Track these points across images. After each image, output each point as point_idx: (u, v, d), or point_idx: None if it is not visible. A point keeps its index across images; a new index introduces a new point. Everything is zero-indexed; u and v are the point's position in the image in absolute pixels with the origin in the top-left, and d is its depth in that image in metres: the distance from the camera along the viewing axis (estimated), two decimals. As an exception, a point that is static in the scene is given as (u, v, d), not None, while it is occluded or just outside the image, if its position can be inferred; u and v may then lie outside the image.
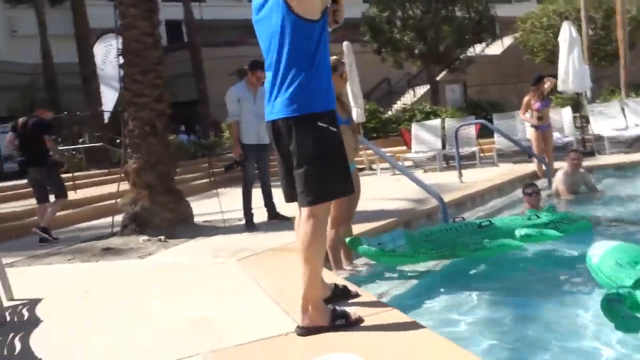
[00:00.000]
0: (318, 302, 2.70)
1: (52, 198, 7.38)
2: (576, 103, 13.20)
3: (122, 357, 2.77)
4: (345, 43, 11.89)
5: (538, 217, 4.87)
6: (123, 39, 6.62)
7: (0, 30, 27.08)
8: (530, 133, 9.19)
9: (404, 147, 13.17)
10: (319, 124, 2.65)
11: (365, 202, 4.68)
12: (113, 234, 6.53)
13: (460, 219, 5.03)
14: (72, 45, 17.80)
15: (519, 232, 4.58)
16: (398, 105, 23.51)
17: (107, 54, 17.58)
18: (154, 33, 6.63)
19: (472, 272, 4.44)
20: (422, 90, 25.31)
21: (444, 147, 12.26)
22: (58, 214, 7.53)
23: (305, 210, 2.69)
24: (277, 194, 4.25)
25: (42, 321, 3.50)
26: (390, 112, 20.24)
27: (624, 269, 3.01)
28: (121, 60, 6.78)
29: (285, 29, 2.66)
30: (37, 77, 21.82)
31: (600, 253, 3.23)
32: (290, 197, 2.89)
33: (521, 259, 4.68)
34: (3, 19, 27.11)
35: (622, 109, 11.95)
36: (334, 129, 2.70)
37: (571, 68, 11.38)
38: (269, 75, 2.80)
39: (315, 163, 2.65)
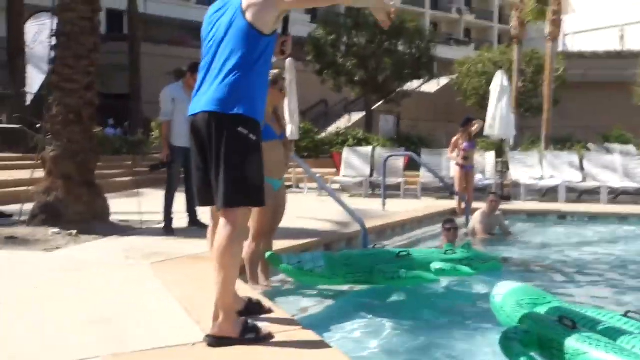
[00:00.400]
0: (230, 311, 2.65)
1: None
2: (499, 148, 13.84)
3: (16, 355, 2.58)
4: (288, 59, 11.94)
5: (454, 252, 5.03)
6: (59, 20, 6.33)
7: None
8: (454, 171, 9.52)
9: (334, 170, 13.31)
10: (240, 129, 2.63)
11: (289, 219, 4.67)
12: (21, 223, 6.16)
13: (379, 246, 5.11)
14: (2, 18, 16.84)
15: (434, 266, 4.71)
16: (332, 128, 23.79)
17: (39, 33, 16.78)
18: (93, 18, 6.38)
19: (386, 298, 4.51)
20: (357, 116, 25.80)
21: (371, 174, 12.49)
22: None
23: (223, 215, 2.66)
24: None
25: None
26: (324, 134, 20.46)
27: (524, 309, 3.15)
28: (54, 42, 6.48)
29: (233, 30, 2.69)
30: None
31: (503, 292, 3.37)
32: (202, 200, 2.88)
33: (433, 290, 4.80)
34: None
35: (540, 160, 12.66)
36: (254, 138, 2.68)
37: (498, 115, 11.94)
38: (201, 73, 2.79)
39: (230, 166, 2.62)
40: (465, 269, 4.84)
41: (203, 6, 32.52)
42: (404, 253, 4.77)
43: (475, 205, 8.76)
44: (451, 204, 9.64)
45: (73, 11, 6.21)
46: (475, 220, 7.65)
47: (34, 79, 15.79)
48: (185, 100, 6.11)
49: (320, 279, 4.30)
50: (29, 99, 15.33)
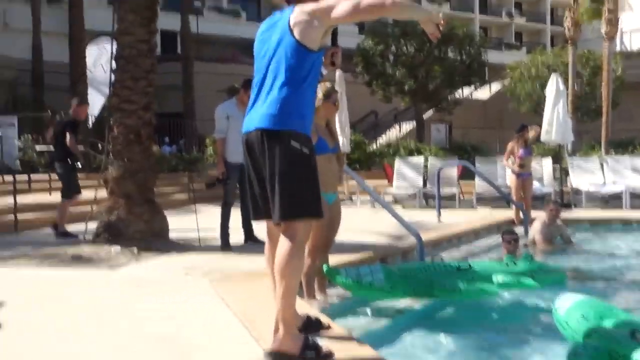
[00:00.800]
0: (290, 325, 2.66)
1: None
2: (557, 155, 13.43)
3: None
4: (338, 72, 12.00)
5: (515, 264, 4.89)
6: (118, 43, 6.58)
7: (-9, 22, 26.84)
8: (510, 180, 9.30)
9: (385, 182, 13.23)
10: (292, 143, 2.68)
11: (343, 233, 4.66)
12: (85, 242, 6.40)
13: (439, 258, 5.01)
14: (64, 44, 17.64)
15: (496, 279, 4.59)
16: (383, 139, 23.71)
17: (99, 57, 17.50)
18: (150, 41, 6.60)
19: (445, 313, 4.43)
20: (408, 126, 25.60)
21: (425, 185, 12.33)
22: (28, 215, 7.38)
23: (283, 230, 2.70)
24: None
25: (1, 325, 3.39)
26: (375, 146, 20.40)
27: (590, 323, 3.03)
28: (114, 65, 6.73)
29: (282, 47, 2.75)
30: (25, 73, 21.54)
31: (567, 306, 3.25)
32: (259, 215, 2.90)
33: (494, 304, 4.68)
34: (-3, 10, 26.91)
35: (601, 165, 12.19)
36: (307, 151, 2.72)
37: (555, 120, 11.60)
38: (254, 90, 2.86)
39: (285, 179, 2.65)
40: (529, 281, 4.70)
41: (253, 22, 33.13)
42: (465, 266, 4.68)
43: (533, 214, 8.52)
44: (509, 213, 9.41)
45: (131, 35, 6.45)
46: (535, 229, 7.43)
47: (96, 102, 16.45)
48: (239, 117, 6.21)
49: (379, 293, 4.25)
50: (91, 122, 15.97)
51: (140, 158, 6.49)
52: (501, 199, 10.78)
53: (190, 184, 12.32)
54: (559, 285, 4.94)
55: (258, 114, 2.75)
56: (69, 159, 7.38)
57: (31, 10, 21.67)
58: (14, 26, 26.19)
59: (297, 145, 2.68)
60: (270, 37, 2.84)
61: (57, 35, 22.70)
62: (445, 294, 4.38)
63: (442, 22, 2.83)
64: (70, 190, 7.46)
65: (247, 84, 6.15)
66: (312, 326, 3.02)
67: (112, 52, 6.75)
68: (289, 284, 2.64)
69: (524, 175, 8.85)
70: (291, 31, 2.73)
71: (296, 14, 2.75)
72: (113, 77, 6.77)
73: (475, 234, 8.10)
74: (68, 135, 7.28)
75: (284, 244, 2.66)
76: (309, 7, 2.76)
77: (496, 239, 6.64)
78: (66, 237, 7.01)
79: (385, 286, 4.19)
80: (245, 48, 32.17)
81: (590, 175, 11.98)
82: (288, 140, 2.67)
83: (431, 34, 2.85)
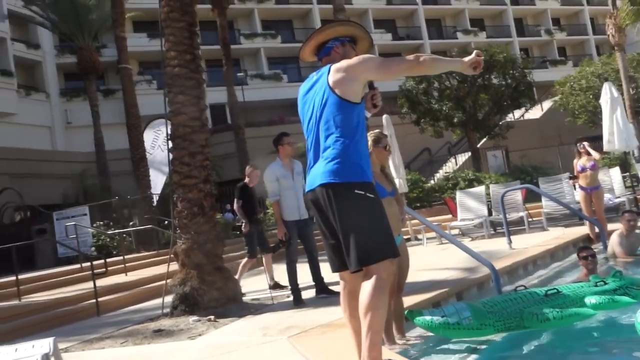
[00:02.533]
0: None
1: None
2: (624, 163, 12.91)
3: None
4: (384, 116, 12.11)
5: (605, 283, 4.66)
6: (172, 124, 6.93)
7: (58, 123, 28.76)
8: (579, 195, 9.00)
9: (449, 216, 13.02)
10: (357, 191, 2.77)
11: (414, 272, 4.62)
12: (164, 315, 6.58)
13: (521, 287, 4.80)
14: (123, 132, 18.68)
15: (589, 300, 4.36)
16: (440, 174, 23.44)
17: (155, 139, 18.41)
18: (201, 117, 6.93)
19: (531, 343, 4.24)
20: (463, 157, 25.27)
21: (490, 213, 12.06)
22: (108, 298, 7.66)
23: (364, 274, 2.73)
24: (325, 267, 4.24)
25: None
26: (432, 181, 20.19)
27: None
28: (170, 145, 7.07)
29: (328, 107, 2.89)
30: (91, 165, 22.85)
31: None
32: (335, 266, 2.95)
33: (580, 327, 4.45)
34: (60, 111, 28.86)
35: (674, 166, 11.62)
36: (372, 195, 2.81)
37: (615, 128, 11.24)
38: (309, 151, 2.98)
39: (356, 228, 2.72)
40: (625, 298, 4.44)
41: (295, 83, 34.12)
42: (552, 291, 4.48)
43: (610, 226, 8.16)
44: (583, 230, 9.05)
45: (183, 114, 6.79)
46: (614, 242, 7.10)
47: (157, 181, 17.21)
48: (287, 175, 6.38)
49: (468, 332, 4.07)
50: (155, 200, 16.66)
51: (206, 229, 6.70)
52: (573, 217, 10.41)
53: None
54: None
55: (319, 171, 2.87)
56: (244, 222, 7.84)
57: (90, 106, 23.16)
58: (77, 124, 28.00)
59: (361, 192, 2.77)
60: (314, 99, 3.00)
61: (115, 125, 24.07)
62: (538, 323, 4.15)
63: (479, 58, 2.89)
64: (250, 251, 7.96)
65: (278, 138, 6.40)
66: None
67: (167, 133, 7.10)
68: (374, 324, 2.64)
69: (591, 189, 8.55)
70: (332, 90, 2.88)
71: (333, 73, 2.91)
72: (170, 155, 7.09)
73: (551, 255, 7.81)
74: (235, 200, 7.88)
75: (366, 285, 2.69)
76: (343, 64, 2.92)
77: (575, 258, 6.37)
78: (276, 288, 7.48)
79: (474, 324, 4.05)
80: (290, 107, 33.09)
81: (664, 178, 11.42)
82: (352, 190, 2.78)
83: (473, 74, 2.95)
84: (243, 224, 7.96)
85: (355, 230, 2.72)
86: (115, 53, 19.11)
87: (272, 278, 7.74)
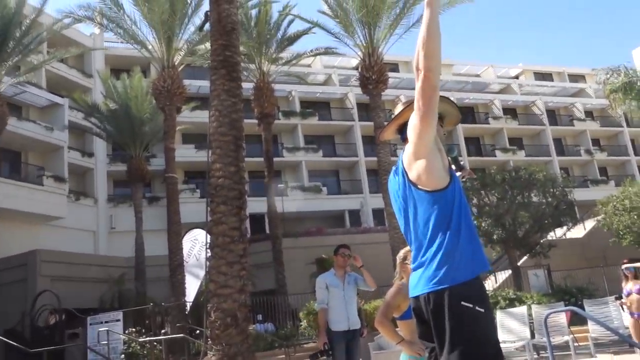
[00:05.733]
0: None
1: None
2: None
3: None
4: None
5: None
6: (212, 233, 7.09)
7: (102, 227, 29.62)
8: (628, 321, 8.56)
9: (490, 337, 12.46)
10: (463, 303, 2.39)
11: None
12: None
13: None
14: (163, 238, 19.05)
15: None
16: (482, 291, 22.73)
17: (192, 248, 18.68)
18: (241, 227, 7.09)
19: None
20: (503, 275, 24.57)
21: (532, 336, 11.49)
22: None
23: None
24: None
25: None
26: (472, 300, 19.55)
27: None
28: (208, 253, 7.18)
29: (418, 206, 2.57)
30: (129, 270, 23.16)
31: None
32: None
33: None
34: (105, 217, 29.81)
35: None
36: (481, 309, 2.40)
37: (663, 250, 10.87)
38: (413, 254, 2.67)
39: (459, 345, 2.36)
40: None
41: (333, 196, 34.64)
42: None
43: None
44: (634, 358, 8.51)
45: (223, 224, 6.97)
46: (669, 375, 6.63)
47: (192, 289, 17.21)
48: (338, 285, 6.33)
49: None
50: (188, 307, 16.57)
51: (237, 341, 6.63)
52: (623, 343, 9.82)
53: (288, 361, 12.15)
54: None
55: (419, 276, 2.54)
56: None
57: (134, 212, 23.91)
58: (120, 229, 28.78)
59: (468, 305, 2.39)
60: (400, 196, 2.66)
61: (157, 232, 24.64)
62: None
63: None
64: None
65: (336, 248, 6.40)
66: None
67: (206, 242, 7.25)
68: None
69: (639, 314, 8.14)
70: (414, 185, 2.55)
71: (407, 164, 2.57)
72: (207, 263, 7.18)
73: (601, 386, 7.31)
74: None
75: None
76: (409, 148, 2.57)
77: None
78: None
79: None
80: (328, 219, 33.38)
81: None
82: (458, 299, 2.40)
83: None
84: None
85: (456, 348, 2.39)
86: (163, 162, 20.02)
87: None
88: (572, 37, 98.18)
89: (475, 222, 20.32)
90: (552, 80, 47.50)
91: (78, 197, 28.68)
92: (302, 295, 18.81)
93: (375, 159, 21.24)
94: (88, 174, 30.49)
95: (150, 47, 19.31)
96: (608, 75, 18.87)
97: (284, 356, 13.79)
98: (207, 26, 8.84)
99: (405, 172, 2.58)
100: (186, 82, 20.34)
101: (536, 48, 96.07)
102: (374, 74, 19.16)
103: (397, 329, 3.96)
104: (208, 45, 10.11)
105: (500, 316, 12.34)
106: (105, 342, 13.59)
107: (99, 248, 28.84)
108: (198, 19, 19.83)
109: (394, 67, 39.07)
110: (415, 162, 2.52)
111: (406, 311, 3.76)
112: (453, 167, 2.75)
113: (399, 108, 2.80)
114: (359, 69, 20.51)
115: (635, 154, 43.43)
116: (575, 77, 48.24)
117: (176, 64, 19.18)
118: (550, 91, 45.87)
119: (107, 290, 21.93)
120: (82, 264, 23.73)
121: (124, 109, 24.27)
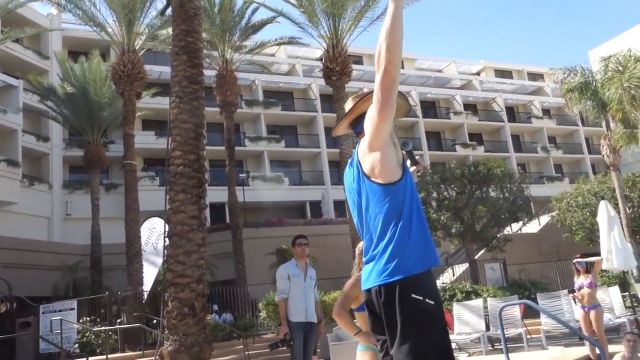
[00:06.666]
0: None
1: None
2: (623, 281, 12.78)
3: None
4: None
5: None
6: (170, 222, 6.96)
7: (57, 214, 28.85)
8: (579, 314, 8.82)
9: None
10: (413, 296, 2.41)
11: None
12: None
13: None
14: (120, 226, 18.66)
15: None
16: (437, 284, 23.13)
17: (150, 236, 18.35)
18: (200, 216, 6.97)
19: None
20: (460, 268, 25.06)
21: (487, 328, 11.75)
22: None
23: None
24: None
25: None
26: (429, 291, 19.84)
27: None
28: (166, 242, 7.05)
29: (369, 198, 2.59)
30: (84, 257, 22.64)
31: None
32: None
33: None
34: (60, 203, 29.04)
35: (674, 288, 11.49)
36: (431, 302, 2.43)
37: (613, 246, 11.25)
38: (365, 245, 2.67)
39: (409, 338, 2.39)
40: None
41: (295, 187, 34.61)
42: None
43: (611, 348, 7.92)
44: (583, 350, 8.78)
45: (182, 213, 6.84)
46: (616, 366, 6.87)
47: (149, 278, 16.92)
48: (299, 276, 6.31)
49: None
50: (145, 297, 16.29)
51: (194, 331, 6.53)
52: (573, 336, 10.13)
53: (246, 350, 12.11)
54: None
55: (371, 269, 2.55)
56: None
57: (91, 199, 23.34)
58: (76, 216, 28.09)
59: (418, 297, 2.41)
60: (355, 188, 2.68)
61: (114, 219, 24.14)
62: None
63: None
64: None
65: (294, 239, 6.37)
66: None
67: (164, 231, 7.11)
68: None
69: (589, 308, 8.40)
70: (368, 177, 2.57)
71: (362, 156, 2.60)
72: (165, 253, 7.05)
73: (551, 377, 7.52)
74: None
75: None
76: (365, 140, 2.59)
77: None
78: None
79: None
80: (287, 210, 33.34)
81: (664, 299, 11.25)
82: (408, 292, 2.42)
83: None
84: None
85: (405, 342, 2.42)
86: (122, 149, 19.57)
87: None
88: (532, 37, 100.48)
89: (434, 215, 20.77)
90: (512, 78, 48.47)
91: (32, 182, 27.84)
92: (262, 286, 18.75)
93: (337, 150, 21.28)
94: (43, 159, 29.62)
95: (110, 30, 18.79)
96: (565, 75, 19.37)
97: (242, 346, 13.73)
98: (169, 11, 8.65)
99: (360, 164, 2.60)
100: (147, 67, 19.86)
101: (497, 46, 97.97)
102: (337, 65, 19.14)
103: (354, 320, 3.96)
104: (170, 30, 9.89)
105: (456, 308, 12.57)
106: (59, 331, 13.27)
107: (54, 235, 28.09)
108: (160, 2, 19.44)
109: (358, 60, 39.15)
110: (369, 154, 2.56)
111: (363, 303, 3.77)
112: (408, 161, 2.77)
113: (349, 103, 2.83)
114: (323, 60, 20.46)
115: (590, 152, 44.78)
116: (534, 76, 49.35)
117: (137, 48, 18.71)
118: (510, 88, 46.82)
119: (61, 278, 21.40)
120: (35, 250, 23.07)
121: (81, 92, 23.59)
